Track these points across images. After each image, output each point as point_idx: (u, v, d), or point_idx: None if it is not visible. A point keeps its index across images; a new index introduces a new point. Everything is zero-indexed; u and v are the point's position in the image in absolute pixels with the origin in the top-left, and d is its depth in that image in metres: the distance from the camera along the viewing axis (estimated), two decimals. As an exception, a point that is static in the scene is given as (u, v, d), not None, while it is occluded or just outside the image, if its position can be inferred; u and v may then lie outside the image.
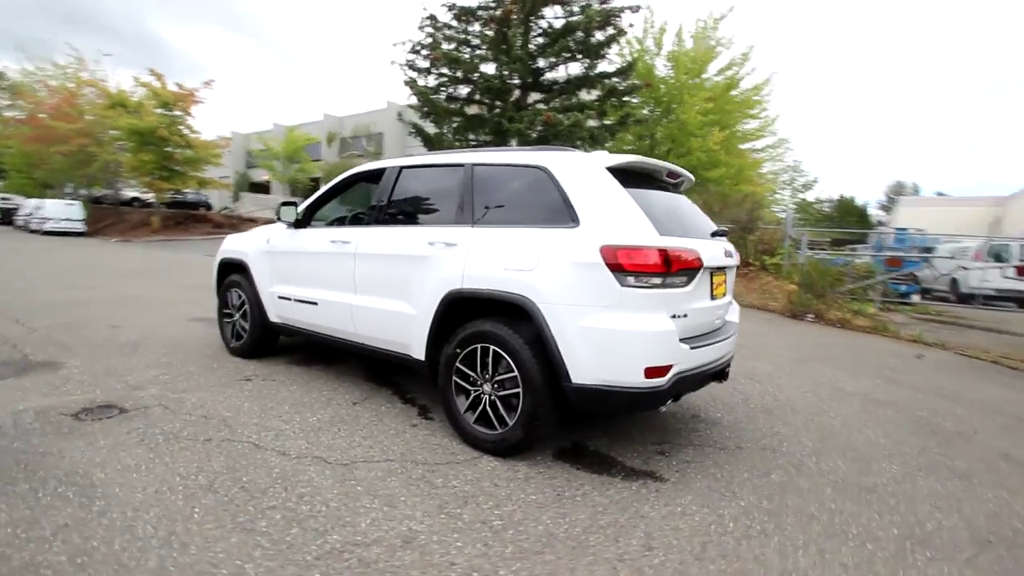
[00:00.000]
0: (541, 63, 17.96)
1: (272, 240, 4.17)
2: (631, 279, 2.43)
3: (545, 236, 2.66)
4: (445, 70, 17.99)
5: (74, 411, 3.14)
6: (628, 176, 2.77)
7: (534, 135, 15.80)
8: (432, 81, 18.27)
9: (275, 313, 4.17)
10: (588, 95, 18.41)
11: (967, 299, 12.97)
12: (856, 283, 11.12)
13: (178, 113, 21.82)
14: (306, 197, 4.30)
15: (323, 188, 4.06)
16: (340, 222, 4.33)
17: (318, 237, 3.85)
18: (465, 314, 2.95)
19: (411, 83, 17.98)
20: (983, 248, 13.20)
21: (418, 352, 3.16)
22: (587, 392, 2.52)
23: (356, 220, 4.44)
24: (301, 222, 4.00)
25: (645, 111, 19.63)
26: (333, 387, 3.84)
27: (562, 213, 2.69)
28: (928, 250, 15.21)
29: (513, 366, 2.69)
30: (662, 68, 19.82)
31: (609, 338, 2.45)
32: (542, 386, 2.61)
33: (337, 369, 4.30)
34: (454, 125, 18.08)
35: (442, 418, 3.31)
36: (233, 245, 4.66)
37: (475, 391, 2.89)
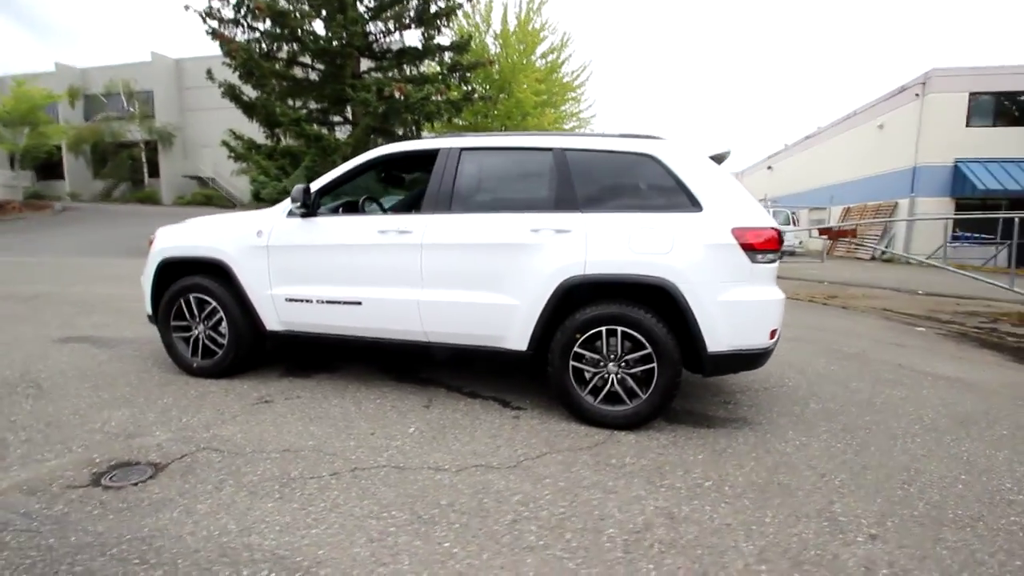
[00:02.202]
0: (371, 28, 16.92)
1: (271, 232, 3.43)
2: (759, 256, 2.81)
3: (674, 220, 2.85)
4: (262, 24, 15.72)
5: (85, 480, 2.30)
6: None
7: (381, 108, 14.97)
8: (241, 35, 15.82)
9: (279, 320, 3.49)
10: (426, 67, 18.06)
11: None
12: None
13: None
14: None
15: (340, 169, 3.48)
16: (350, 208, 3.78)
17: (355, 227, 3.33)
18: (579, 300, 2.98)
19: (215, 34, 15.24)
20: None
21: (517, 343, 3.08)
22: (722, 358, 2.85)
23: (361, 207, 3.94)
24: (311, 210, 3.39)
25: (478, 88, 20.04)
26: (377, 394, 3.45)
27: (679, 199, 2.91)
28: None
29: (646, 343, 2.86)
30: (492, 47, 20.38)
31: (746, 309, 2.81)
32: (678, 359, 2.86)
33: (348, 374, 3.84)
34: (277, 89, 15.98)
35: (535, 405, 3.31)
36: (187, 240, 3.68)
37: (597, 372, 2.98)
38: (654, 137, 3.13)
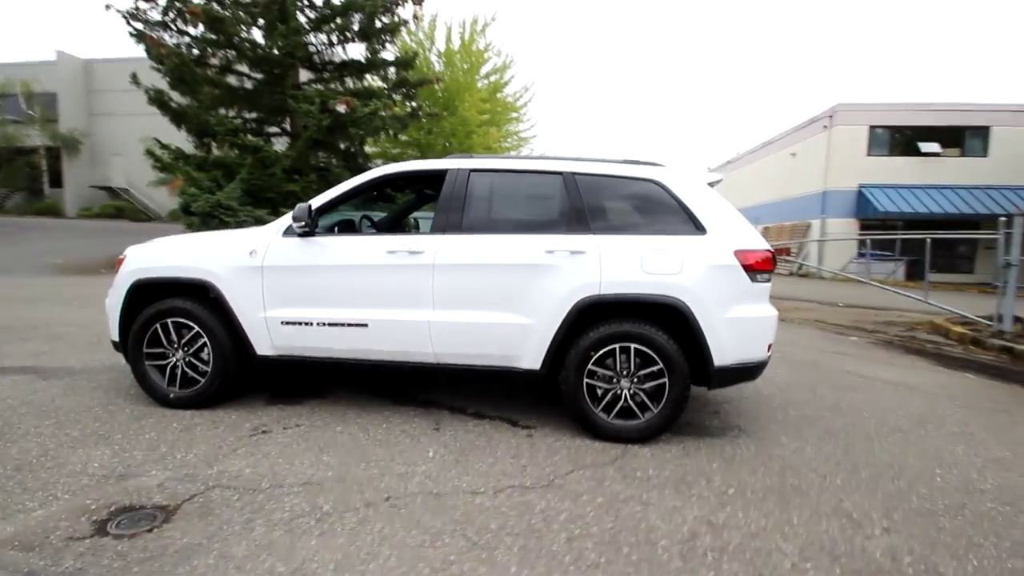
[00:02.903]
0: (312, 39, 16.50)
1: (266, 252, 3.26)
2: (758, 276, 3.04)
3: (682, 243, 3.03)
4: (193, 29, 14.89)
5: (87, 530, 2.07)
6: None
7: (326, 121, 14.57)
8: (168, 39, 14.91)
9: (272, 344, 3.31)
10: (370, 82, 17.81)
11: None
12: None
13: None
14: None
15: (341, 187, 3.38)
16: (347, 227, 3.67)
17: (361, 246, 3.24)
18: (592, 319, 3.07)
19: (141, 37, 14.29)
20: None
21: (530, 362, 3.11)
22: (727, 371, 3.03)
23: (359, 227, 3.85)
24: (311, 229, 3.26)
25: (424, 105, 19.99)
26: (380, 419, 3.35)
27: (684, 222, 3.10)
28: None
29: (658, 359, 2.99)
30: (436, 65, 20.45)
31: (748, 325, 3.02)
32: (687, 373, 3.01)
33: (340, 398, 3.70)
34: (209, 97, 15.11)
35: (543, 423, 3.34)
36: (166, 260, 3.41)
37: (610, 388, 3.07)
38: (656, 164, 3.31)
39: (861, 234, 16.58)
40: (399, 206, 4.71)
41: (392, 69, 17.31)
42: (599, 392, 3.09)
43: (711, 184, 3.35)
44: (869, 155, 19.73)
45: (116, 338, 3.48)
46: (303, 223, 3.15)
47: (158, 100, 14.38)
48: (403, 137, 19.53)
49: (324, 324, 3.23)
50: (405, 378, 4.13)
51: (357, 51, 18.90)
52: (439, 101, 20.14)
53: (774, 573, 1.93)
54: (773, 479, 2.71)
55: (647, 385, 3.04)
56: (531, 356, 3.11)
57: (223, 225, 13.73)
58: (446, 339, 3.16)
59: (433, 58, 20.58)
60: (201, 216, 13.64)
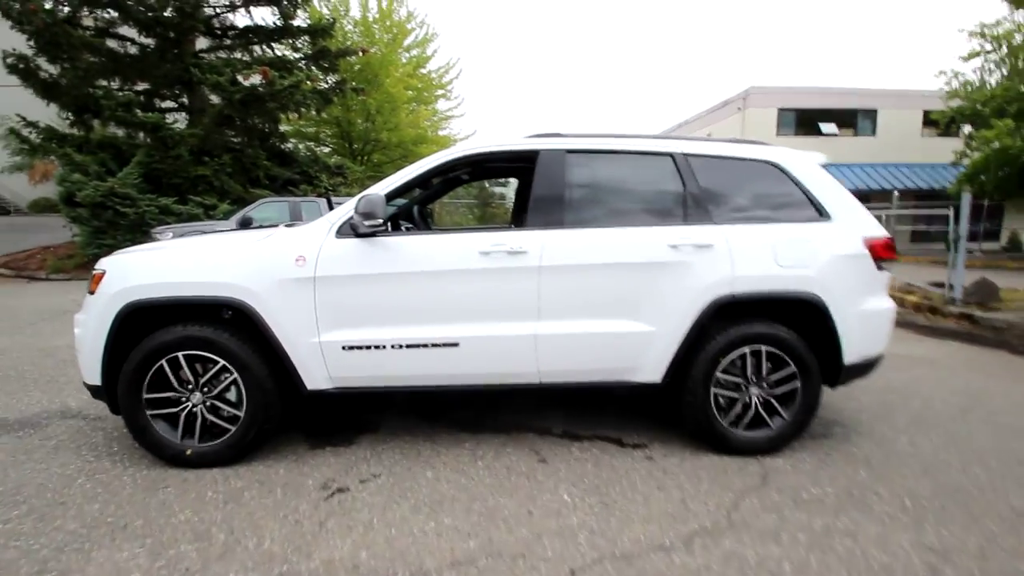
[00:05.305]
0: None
1: (319, 259, 2.52)
2: (883, 265, 2.85)
3: (813, 231, 2.75)
4: (57, -21, 12.28)
5: None
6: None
7: (239, 94, 12.83)
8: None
9: (328, 375, 2.61)
10: (281, 51, 15.94)
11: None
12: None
13: None
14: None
15: (408, 172, 2.70)
16: (393, 223, 3.00)
17: (446, 247, 2.60)
18: (718, 320, 2.72)
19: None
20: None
21: (649, 374, 2.72)
22: (853, 368, 2.84)
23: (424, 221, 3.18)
24: (384, 227, 2.58)
25: (348, 79, 18.36)
26: (467, 454, 2.80)
27: (806, 208, 2.82)
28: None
29: (790, 361, 2.73)
30: (355, 35, 18.81)
31: (876, 318, 2.83)
32: (819, 373, 2.78)
33: (394, 430, 3.11)
34: (85, 66, 12.62)
35: (650, 440, 2.98)
36: (176, 273, 2.55)
37: (737, 397, 2.76)
38: (766, 144, 3.01)
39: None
40: (418, 195, 4.02)
41: (307, 38, 15.67)
42: (722, 401, 2.78)
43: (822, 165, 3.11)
44: (778, 135, 21.27)
45: (97, 382, 2.57)
46: (377, 221, 2.46)
47: (22, 69, 11.76)
48: (325, 115, 17.85)
49: (401, 346, 2.59)
50: (450, 400, 3.54)
51: (261, 17, 16.79)
52: (359, 75, 18.61)
53: (1050, 604, 1.74)
54: (929, 483, 2.54)
55: (777, 391, 2.77)
56: (651, 367, 2.71)
57: (119, 217, 11.67)
58: (555, 354, 2.66)
59: (349, 27, 18.90)
60: (90, 207, 11.50)
